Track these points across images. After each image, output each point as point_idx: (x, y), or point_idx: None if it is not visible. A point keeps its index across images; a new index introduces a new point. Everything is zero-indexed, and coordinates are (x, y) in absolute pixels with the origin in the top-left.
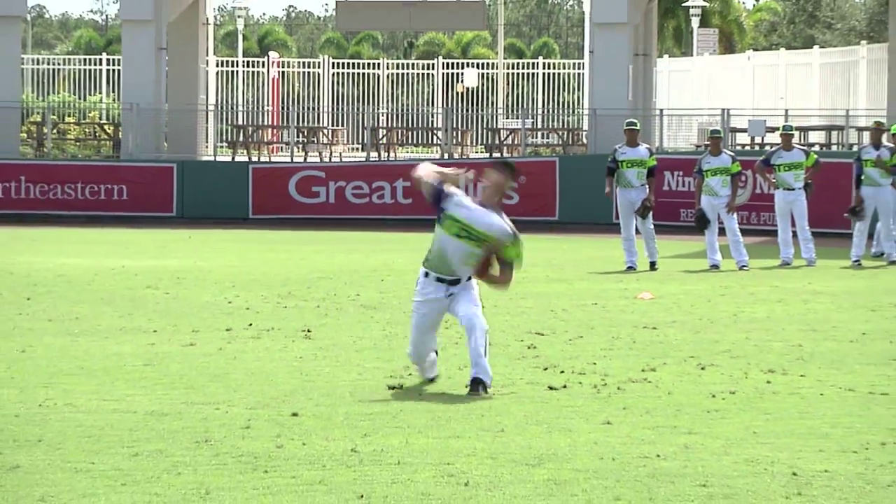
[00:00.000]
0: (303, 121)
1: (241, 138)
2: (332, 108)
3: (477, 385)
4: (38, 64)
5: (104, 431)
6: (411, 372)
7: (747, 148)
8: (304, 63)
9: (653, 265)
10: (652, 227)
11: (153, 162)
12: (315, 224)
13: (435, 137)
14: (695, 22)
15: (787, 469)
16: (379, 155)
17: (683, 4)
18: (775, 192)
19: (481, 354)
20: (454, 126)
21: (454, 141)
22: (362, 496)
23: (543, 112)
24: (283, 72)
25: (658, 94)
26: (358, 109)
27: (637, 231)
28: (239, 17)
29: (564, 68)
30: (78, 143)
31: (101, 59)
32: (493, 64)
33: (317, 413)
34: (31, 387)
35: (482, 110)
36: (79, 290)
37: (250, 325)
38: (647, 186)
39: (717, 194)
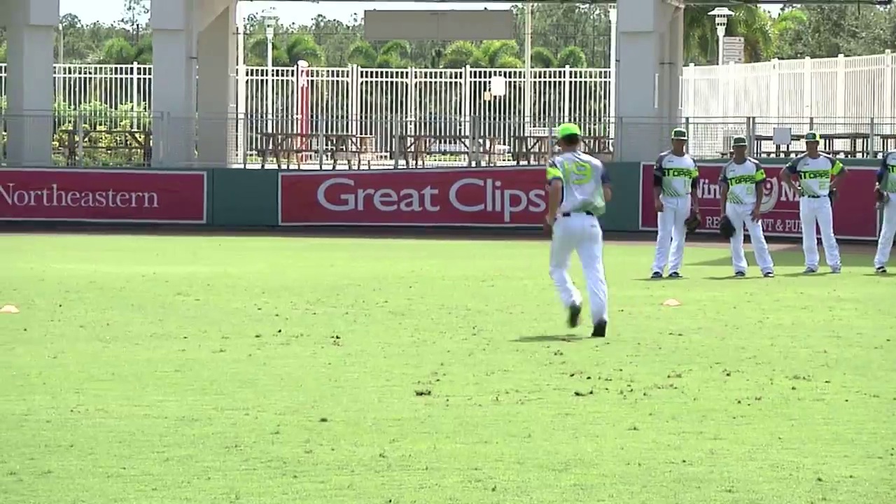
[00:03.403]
0: (331, 129)
1: (270, 146)
2: (361, 117)
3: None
4: (69, 73)
5: (135, 437)
6: (439, 378)
7: (772, 156)
8: (332, 72)
9: (675, 275)
10: (684, 239)
11: (184, 170)
12: (343, 231)
13: (462, 146)
14: (720, 31)
15: (812, 475)
16: (407, 163)
17: (709, 13)
18: (800, 199)
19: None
20: (481, 134)
21: (481, 149)
22: (390, 501)
23: (570, 120)
24: (312, 80)
25: (684, 102)
26: (386, 118)
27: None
28: (268, 26)
29: (591, 77)
30: (109, 152)
31: (132, 69)
32: (520, 72)
33: (345, 419)
34: (63, 392)
35: (509, 118)
36: (110, 297)
37: (279, 331)
38: (689, 195)
39: (742, 202)
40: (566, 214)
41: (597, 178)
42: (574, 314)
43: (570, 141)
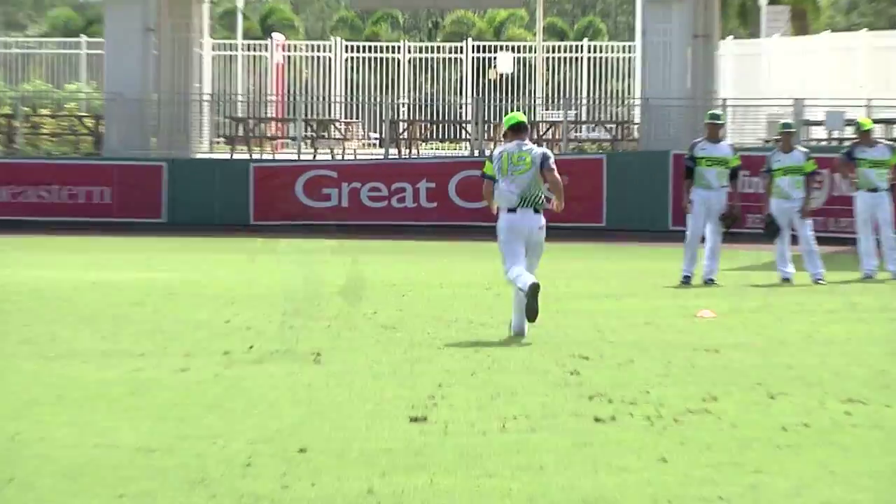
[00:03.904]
0: (312, 113)
1: (240, 133)
2: (346, 99)
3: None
4: (7, 48)
5: (84, 470)
6: (436, 402)
7: (823, 143)
8: (312, 46)
9: (711, 282)
10: (720, 240)
11: (140, 160)
12: (325, 231)
13: (464, 132)
14: None
15: None
16: (399, 152)
17: None
18: (856, 193)
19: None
20: (485, 118)
21: (485, 136)
22: None
23: (588, 102)
24: (288, 56)
25: (720, 81)
26: (375, 99)
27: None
28: None
29: (613, 52)
30: (54, 139)
31: (79, 43)
32: (530, 47)
33: (327, 449)
34: (1, 419)
35: (518, 100)
36: (55, 308)
37: (251, 347)
38: (727, 189)
39: (789, 197)
40: (511, 210)
41: (536, 167)
42: (535, 291)
43: (516, 130)
